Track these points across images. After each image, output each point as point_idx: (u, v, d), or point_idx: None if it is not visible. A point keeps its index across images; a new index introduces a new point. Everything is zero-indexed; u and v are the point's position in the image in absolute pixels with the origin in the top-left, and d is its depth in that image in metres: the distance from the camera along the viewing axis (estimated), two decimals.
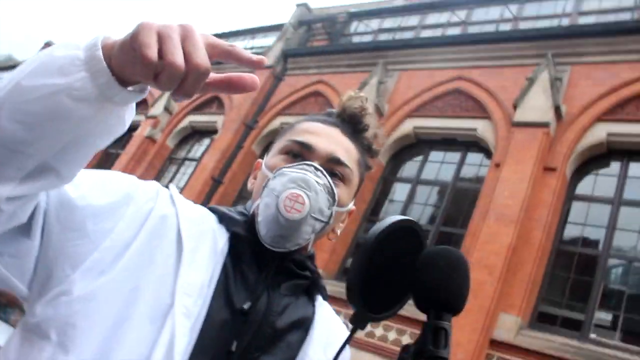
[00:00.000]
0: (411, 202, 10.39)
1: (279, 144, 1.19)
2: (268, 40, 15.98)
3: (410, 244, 0.89)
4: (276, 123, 13.00)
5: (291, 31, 14.95)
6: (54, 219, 0.88)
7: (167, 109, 16.04)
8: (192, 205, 1.11)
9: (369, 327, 7.22)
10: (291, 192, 1.03)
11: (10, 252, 0.85)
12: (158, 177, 15.57)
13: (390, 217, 0.90)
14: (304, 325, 1.11)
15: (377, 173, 10.76)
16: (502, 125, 9.45)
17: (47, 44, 39.34)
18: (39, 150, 0.72)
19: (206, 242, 1.03)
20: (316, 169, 1.09)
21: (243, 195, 12.55)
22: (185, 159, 15.67)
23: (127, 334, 0.88)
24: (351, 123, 1.22)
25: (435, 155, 10.64)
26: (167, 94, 16.13)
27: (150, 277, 0.94)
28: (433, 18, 12.76)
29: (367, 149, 1.24)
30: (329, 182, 1.09)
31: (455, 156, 10.31)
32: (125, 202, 0.96)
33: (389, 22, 13.55)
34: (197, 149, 15.65)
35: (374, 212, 10.73)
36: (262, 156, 1.31)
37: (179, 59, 0.67)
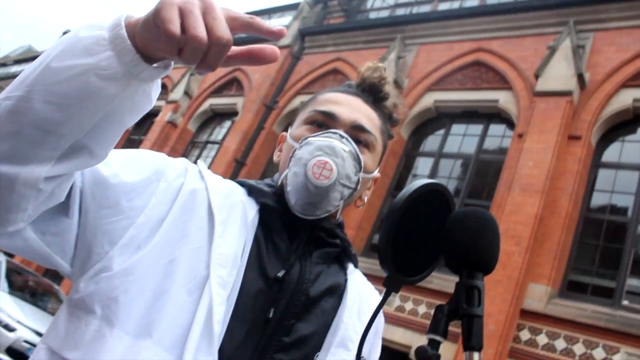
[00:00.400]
0: (434, 176, 10.38)
1: (302, 115, 1.20)
2: (284, 19, 15.91)
3: (439, 207, 0.89)
4: (296, 102, 13.00)
5: (307, 9, 14.86)
6: (90, 197, 0.91)
7: (186, 93, 16.10)
8: (220, 179, 1.13)
9: (398, 301, 7.33)
10: (319, 160, 1.04)
11: (51, 231, 0.89)
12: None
13: (418, 180, 0.91)
14: (337, 292, 1.12)
15: (399, 148, 10.76)
16: (524, 96, 9.37)
17: (65, 33, 39.57)
18: (71, 130, 0.75)
19: (236, 214, 1.05)
20: (341, 136, 1.10)
21: (267, 176, 12.59)
22: (207, 142, 15.77)
23: (167, 305, 0.91)
24: (371, 92, 1.23)
25: (457, 128, 10.60)
26: (186, 79, 16.20)
27: (185, 250, 0.96)
28: None
29: (388, 118, 1.25)
30: (354, 148, 1.10)
31: (477, 128, 10.26)
32: (156, 178, 0.99)
33: None
34: (219, 132, 15.72)
35: (397, 187, 10.75)
36: None
37: (201, 32, 0.68)
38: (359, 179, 1.11)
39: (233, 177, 12.54)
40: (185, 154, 15.78)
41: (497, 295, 7.69)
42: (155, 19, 0.70)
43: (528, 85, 9.38)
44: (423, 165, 10.81)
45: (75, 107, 0.73)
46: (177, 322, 0.90)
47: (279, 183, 1.15)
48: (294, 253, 1.08)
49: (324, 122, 1.14)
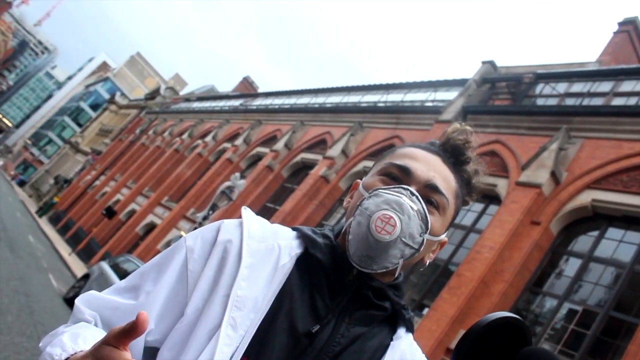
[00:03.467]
0: (580, 279, 9.72)
1: (379, 166, 1.19)
2: (450, 94, 16.06)
3: (515, 340, 0.96)
4: None
5: (474, 88, 14.91)
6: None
7: (344, 151, 16.76)
8: (263, 223, 1.16)
9: None
10: (383, 213, 1.03)
11: None
12: (327, 217, 16.29)
13: (500, 312, 0.98)
14: (373, 357, 1.08)
15: (546, 243, 10.26)
16: None
17: (245, 79, 43.15)
18: None
19: (269, 259, 1.07)
20: (412, 193, 1.08)
21: None
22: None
23: (190, 348, 0.99)
24: (453, 154, 1.20)
25: (613, 232, 9.86)
26: (345, 138, 16.89)
27: (214, 296, 1.02)
28: (628, 85, 11.91)
29: (466, 183, 1.22)
30: (423, 208, 1.08)
31: (636, 236, 9.47)
32: (182, 269, 1.09)
33: (578, 87, 12.89)
34: None
35: (537, 283, 10.20)
36: None
37: None
38: (423, 240, 1.08)
39: None
40: (332, 210, 16.33)
41: None
42: None
43: None
44: (569, 265, 10.16)
45: None
46: None
47: (343, 230, 1.14)
48: (332, 311, 1.07)
49: (398, 176, 1.13)
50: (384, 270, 1.07)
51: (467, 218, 11.96)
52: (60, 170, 55.14)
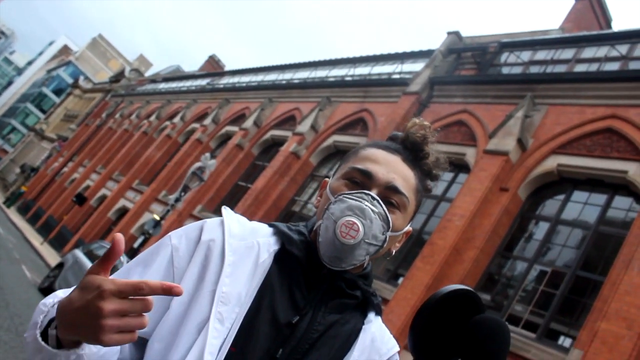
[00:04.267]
0: (548, 242, 10.01)
1: (343, 169, 1.27)
2: (416, 66, 16.14)
3: (468, 309, 1.04)
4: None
5: (440, 58, 15.02)
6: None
7: (313, 127, 16.77)
8: (243, 221, 1.25)
9: None
10: (347, 220, 1.13)
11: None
12: (299, 193, 16.36)
13: (452, 285, 1.06)
14: (348, 341, 1.19)
15: (515, 208, 10.51)
16: None
17: (211, 57, 42.60)
18: None
19: (249, 256, 1.17)
20: (373, 197, 1.17)
21: None
22: (326, 176, 16.18)
23: (180, 341, 1.07)
24: (413, 150, 1.27)
25: (578, 195, 10.16)
26: (314, 114, 16.88)
27: (201, 293, 1.11)
28: (590, 52, 12.14)
29: (426, 174, 1.29)
30: (383, 210, 1.17)
31: (600, 198, 9.77)
32: (169, 264, 1.16)
33: (541, 54, 13.09)
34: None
35: (508, 247, 10.48)
36: None
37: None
38: (385, 238, 1.18)
39: None
40: (304, 186, 16.39)
41: None
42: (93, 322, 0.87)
43: None
44: (538, 229, 10.45)
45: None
46: (183, 354, 1.07)
47: (314, 229, 1.23)
48: (310, 302, 1.18)
49: (360, 180, 1.21)
50: (352, 267, 1.19)
51: (437, 187, 12.12)
52: (26, 158, 53.96)
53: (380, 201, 1.18)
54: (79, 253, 13.93)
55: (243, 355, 1.10)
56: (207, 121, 23.24)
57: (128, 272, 1.20)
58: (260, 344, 1.11)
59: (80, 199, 26.04)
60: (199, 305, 1.11)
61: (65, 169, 36.79)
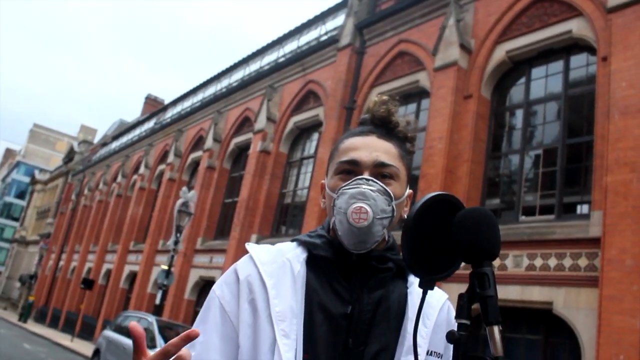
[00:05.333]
0: (529, 126, 10.09)
1: (332, 167, 1.37)
2: (338, 20, 16.05)
3: (450, 212, 1.06)
4: (373, 96, 13.08)
5: (357, 4, 14.92)
6: None
7: (269, 118, 16.70)
8: (267, 248, 1.35)
9: (526, 260, 7.31)
10: (355, 207, 1.23)
11: None
12: (284, 185, 16.34)
13: (426, 194, 1.08)
14: (400, 307, 1.30)
15: (485, 109, 10.56)
16: (597, 17, 8.89)
17: (149, 98, 42.12)
18: None
19: (285, 273, 1.27)
20: (367, 180, 1.27)
21: None
22: (302, 159, 16.23)
23: None
24: (383, 125, 1.38)
25: (537, 72, 10.23)
26: (265, 106, 16.77)
27: (260, 322, 1.22)
28: None
29: (404, 139, 1.40)
30: (381, 186, 1.27)
31: (558, 66, 9.85)
32: (224, 320, 1.26)
33: None
34: (310, 146, 16.14)
35: (495, 147, 10.56)
36: None
37: None
38: (393, 207, 1.28)
39: None
40: (285, 176, 16.37)
41: (626, 228, 7.37)
42: None
43: (598, 4, 8.87)
44: (515, 119, 10.53)
45: None
46: None
47: (331, 227, 1.33)
48: (353, 290, 1.27)
49: (350, 169, 1.31)
50: (376, 244, 1.28)
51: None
52: (20, 270, 53.33)
53: (375, 179, 1.28)
54: (109, 333, 13.87)
55: (317, 356, 1.21)
56: (171, 158, 23.05)
57: None
58: (325, 340, 1.22)
59: (88, 284, 25.85)
60: (263, 331, 1.21)
61: (62, 262, 36.43)
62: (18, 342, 22.44)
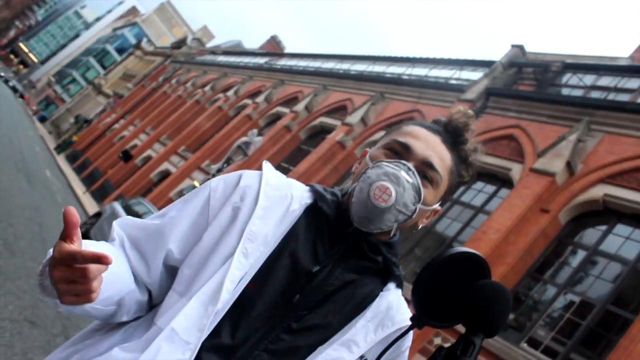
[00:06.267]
0: (582, 271, 9.80)
1: (384, 140, 1.34)
2: (475, 74, 15.92)
3: (474, 273, 1.06)
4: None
5: (500, 70, 14.77)
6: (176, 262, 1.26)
7: (363, 119, 16.75)
8: (280, 176, 1.32)
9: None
10: (382, 184, 1.18)
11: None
12: (339, 182, 16.39)
13: (462, 247, 1.09)
14: (362, 303, 1.25)
15: (553, 232, 10.30)
16: None
17: (273, 38, 42.80)
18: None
19: (282, 204, 1.23)
20: (409, 168, 1.22)
21: None
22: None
23: (207, 269, 1.16)
24: (453, 134, 1.34)
25: (621, 229, 9.87)
26: (366, 107, 16.84)
27: (232, 230, 1.19)
28: None
29: (463, 160, 1.36)
30: (417, 181, 1.22)
31: None
32: (205, 205, 1.25)
33: (605, 81, 12.73)
34: None
35: (540, 270, 10.29)
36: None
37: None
38: (415, 209, 1.23)
39: None
40: (344, 176, 16.42)
41: None
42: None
43: None
44: (573, 256, 10.23)
45: None
46: (210, 282, 1.15)
47: (349, 192, 1.29)
48: (331, 256, 1.23)
49: (399, 151, 1.28)
50: (379, 231, 1.23)
51: (477, 198, 12.02)
52: (81, 110, 55.48)
53: (416, 172, 1.24)
54: (117, 206, 14.27)
55: (260, 293, 1.17)
56: (260, 99, 23.44)
57: (169, 207, 1.31)
58: (277, 285, 1.18)
59: (127, 156, 26.69)
60: (228, 240, 1.19)
61: (117, 126, 37.74)
62: (43, 165, 23.46)
